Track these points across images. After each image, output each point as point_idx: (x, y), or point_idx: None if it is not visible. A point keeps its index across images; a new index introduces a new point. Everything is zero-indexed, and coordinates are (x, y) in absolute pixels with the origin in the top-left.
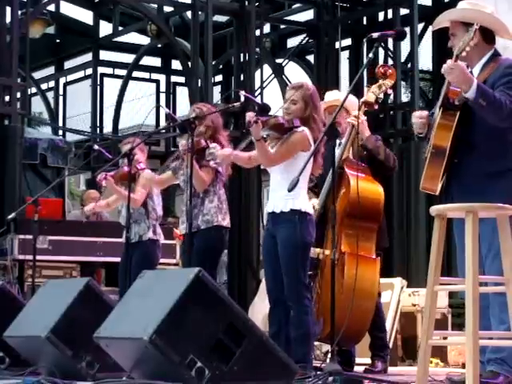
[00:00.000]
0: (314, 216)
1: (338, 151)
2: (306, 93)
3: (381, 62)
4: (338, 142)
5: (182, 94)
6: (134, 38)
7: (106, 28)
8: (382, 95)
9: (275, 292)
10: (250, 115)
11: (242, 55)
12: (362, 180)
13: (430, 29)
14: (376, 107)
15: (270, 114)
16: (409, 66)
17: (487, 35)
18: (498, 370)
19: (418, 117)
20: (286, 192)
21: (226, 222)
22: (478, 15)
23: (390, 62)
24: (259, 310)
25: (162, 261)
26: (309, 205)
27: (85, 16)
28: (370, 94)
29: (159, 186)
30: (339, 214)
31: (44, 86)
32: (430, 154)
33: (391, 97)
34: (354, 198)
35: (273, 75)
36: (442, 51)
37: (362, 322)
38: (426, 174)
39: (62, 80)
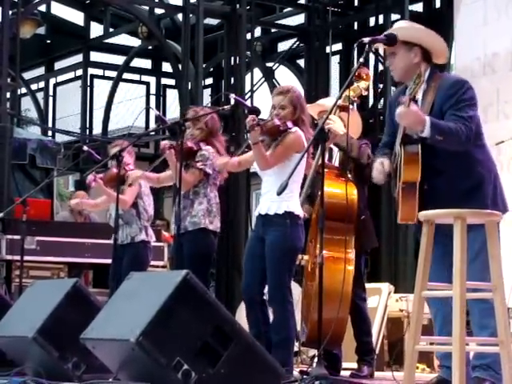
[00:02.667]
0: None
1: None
2: (293, 96)
3: (371, 67)
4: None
5: (172, 96)
6: (124, 39)
7: (96, 29)
8: (357, 97)
9: (250, 292)
10: (251, 119)
11: (232, 58)
12: (334, 182)
13: None
14: (351, 111)
15: (260, 117)
16: None
17: (427, 54)
18: (484, 375)
19: (378, 163)
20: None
21: (214, 226)
22: (421, 34)
23: (381, 67)
24: None
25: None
26: (300, 208)
27: (76, 17)
28: (344, 97)
29: (156, 183)
30: (315, 219)
31: (34, 87)
32: (401, 190)
33: (381, 102)
34: (326, 200)
35: (263, 79)
36: None
37: (338, 323)
38: (402, 209)
39: (52, 81)
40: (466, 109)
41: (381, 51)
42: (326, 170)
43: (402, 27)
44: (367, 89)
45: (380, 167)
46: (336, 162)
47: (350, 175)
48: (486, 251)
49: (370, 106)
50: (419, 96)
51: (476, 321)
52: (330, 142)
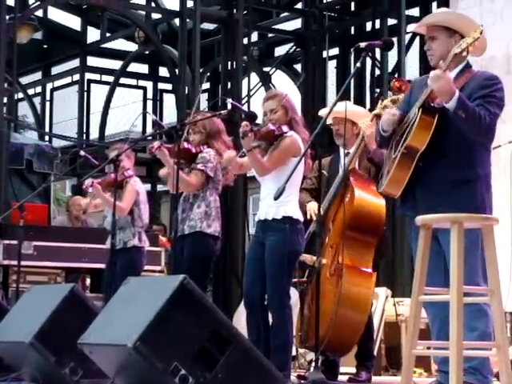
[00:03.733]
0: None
1: (343, 161)
2: (281, 99)
3: (368, 72)
4: (343, 151)
5: (169, 101)
6: (121, 44)
7: (93, 34)
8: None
9: (251, 296)
10: (244, 126)
11: (229, 63)
12: (367, 193)
13: (418, 39)
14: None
15: (256, 122)
16: (396, 75)
17: None
18: (471, 380)
19: (391, 113)
20: (279, 199)
21: (212, 230)
22: (463, 23)
23: (377, 71)
24: (244, 317)
25: (146, 268)
26: (299, 212)
27: (73, 22)
28: (383, 107)
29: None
30: (341, 225)
31: (31, 92)
32: (400, 155)
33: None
34: (358, 210)
35: (260, 83)
36: (429, 61)
37: (352, 335)
38: (392, 177)
39: (49, 85)
40: (495, 106)
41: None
42: (358, 178)
43: (446, 11)
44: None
45: (391, 115)
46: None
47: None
48: (473, 254)
49: None
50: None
51: (465, 322)
52: (361, 151)
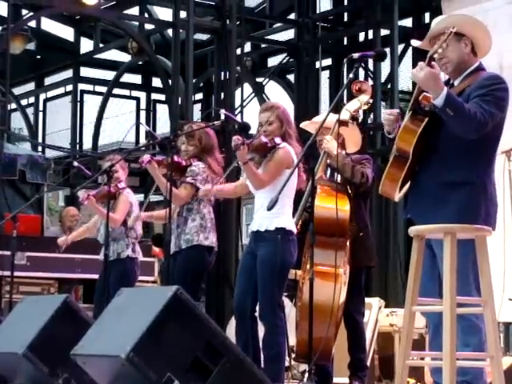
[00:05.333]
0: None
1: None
2: (279, 111)
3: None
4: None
5: (163, 111)
6: (114, 55)
7: (86, 45)
8: (359, 111)
9: (242, 306)
10: (235, 139)
11: (222, 74)
12: (329, 199)
13: (410, 49)
14: (351, 125)
15: (250, 133)
16: (389, 86)
17: (473, 46)
18: None
19: (388, 113)
20: (272, 210)
21: (209, 242)
22: (469, 25)
23: (370, 82)
24: None
25: (140, 278)
26: (293, 224)
27: (66, 32)
28: (345, 112)
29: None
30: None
31: (24, 102)
32: (392, 158)
33: (371, 116)
34: (319, 217)
35: (253, 94)
36: None
37: (327, 337)
38: (386, 176)
39: (42, 96)
40: (491, 104)
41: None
42: (323, 185)
43: (448, 16)
44: (368, 103)
45: (387, 115)
46: (339, 176)
47: (350, 191)
48: (466, 265)
49: (359, 121)
50: (456, 82)
51: (459, 337)
52: (326, 161)
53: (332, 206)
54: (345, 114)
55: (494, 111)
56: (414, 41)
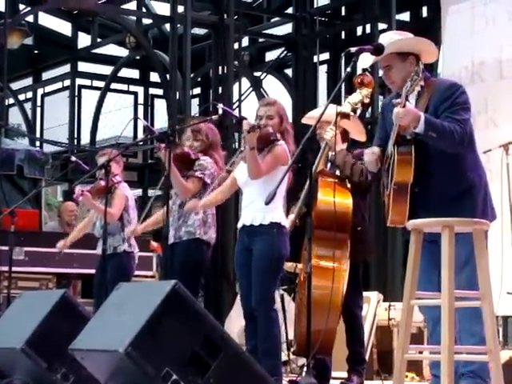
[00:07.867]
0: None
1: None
2: (279, 108)
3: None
4: (330, 153)
5: (160, 106)
6: (112, 49)
7: (84, 39)
8: (359, 105)
9: (249, 305)
10: (248, 123)
11: (220, 68)
12: (330, 193)
13: None
14: (352, 118)
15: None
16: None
17: (418, 58)
18: None
19: (371, 152)
20: (264, 205)
21: (208, 237)
22: (410, 42)
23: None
24: (235, 323)
25: (138, 273)
26: (285, 219)
27: (63, 27)
28: (346, 105)
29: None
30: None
31: (22, 97)
32: (392, 192)
33: (369, 110)
34: (320, 211)
35: (251, 88)
36: None
37: (327, 332)
38: (393, 211)
39: (40, 91)
40: (461, 112)
41: (367, 63)
42: (324, 178)
43: (391, 42)
44: (369, 96)
45: (370, 153)
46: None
47: (349, 186)
48: (474, 259)
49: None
50: (412, 101)
51: (465, 327)
52: (326, 154)
53: (336, 199)
54: (346, 107)
55: (465, 117)
56: (361, 64)
